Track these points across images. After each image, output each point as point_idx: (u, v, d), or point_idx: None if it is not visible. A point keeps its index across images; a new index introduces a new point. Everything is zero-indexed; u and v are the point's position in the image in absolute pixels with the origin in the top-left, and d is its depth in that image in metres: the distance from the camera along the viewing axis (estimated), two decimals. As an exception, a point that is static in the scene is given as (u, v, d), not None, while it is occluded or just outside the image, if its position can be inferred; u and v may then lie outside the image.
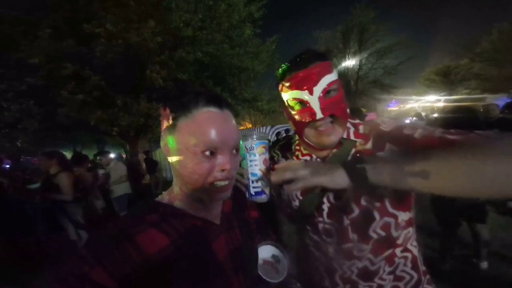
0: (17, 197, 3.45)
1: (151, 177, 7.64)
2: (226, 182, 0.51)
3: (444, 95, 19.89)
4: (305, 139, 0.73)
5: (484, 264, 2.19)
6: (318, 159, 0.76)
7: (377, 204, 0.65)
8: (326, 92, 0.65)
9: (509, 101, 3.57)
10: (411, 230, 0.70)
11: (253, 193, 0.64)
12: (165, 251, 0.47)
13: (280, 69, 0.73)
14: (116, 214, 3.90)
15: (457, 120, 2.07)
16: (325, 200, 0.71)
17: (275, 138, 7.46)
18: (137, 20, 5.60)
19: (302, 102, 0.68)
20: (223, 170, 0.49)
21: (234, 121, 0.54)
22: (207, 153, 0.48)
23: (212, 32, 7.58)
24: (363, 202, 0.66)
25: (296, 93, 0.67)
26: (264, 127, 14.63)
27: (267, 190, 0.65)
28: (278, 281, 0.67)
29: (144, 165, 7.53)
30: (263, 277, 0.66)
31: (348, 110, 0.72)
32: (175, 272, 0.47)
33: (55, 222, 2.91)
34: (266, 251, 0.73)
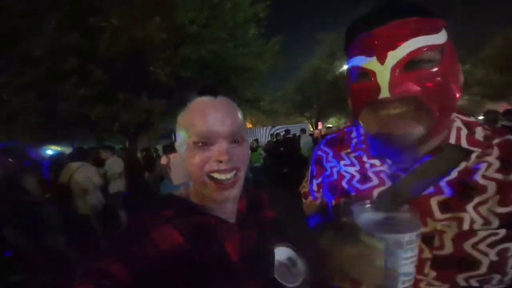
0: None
1: (149, 174, 7.57)
2: (229, 176, 0.46)
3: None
4: (365, 130, 0.50)
5: None
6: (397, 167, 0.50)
7: None
8: (409, 60, 0.40)
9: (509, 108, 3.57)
10: None
11: None
12: (179, 248, 0.45)
13: (348, 27, 0.49)
14: (115, 211, 3.83)
15: None
16: None
17: (275, 139, 7.33)
18: (142, 16, 5.55)
19: (366, 74, 0.44)
20: (220, 162, 0.46)
21: (231, 108, 0.51)
22: (200, 144, 0.46)
23: (217, 31, 7.53)
24: None
25: (361, 60, 0.45)
26: (265, 128, 14.61)
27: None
28: (293, 285, 0.62)
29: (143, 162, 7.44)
30: (278, 280, 0.61)
31: (457, 100, 0.43)
32: (187, 270, 0.44)
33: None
34: (282, 253, 0.67)
